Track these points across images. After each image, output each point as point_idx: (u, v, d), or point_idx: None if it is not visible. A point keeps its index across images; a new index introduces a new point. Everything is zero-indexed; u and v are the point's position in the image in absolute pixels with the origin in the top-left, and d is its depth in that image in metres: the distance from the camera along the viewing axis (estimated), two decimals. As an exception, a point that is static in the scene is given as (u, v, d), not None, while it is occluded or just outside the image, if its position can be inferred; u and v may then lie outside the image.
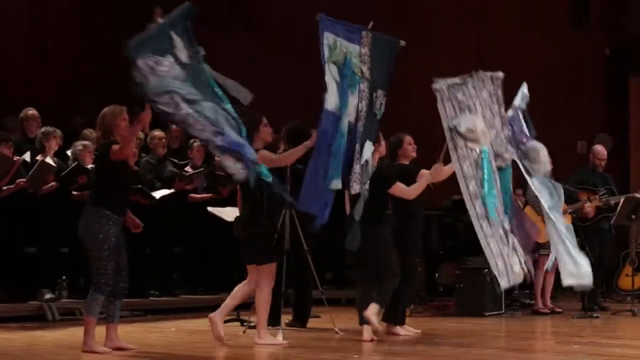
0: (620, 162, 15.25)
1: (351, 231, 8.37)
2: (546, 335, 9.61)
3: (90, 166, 11.01)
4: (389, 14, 16.37)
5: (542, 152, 8.64)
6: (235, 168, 7.43)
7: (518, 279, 8.18)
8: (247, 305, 9.96)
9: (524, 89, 9.06)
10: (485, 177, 8.18)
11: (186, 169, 12.20)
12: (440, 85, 8.20)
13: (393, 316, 9.02)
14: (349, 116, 8.34)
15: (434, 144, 8.58)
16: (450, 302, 11.93)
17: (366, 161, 8.39)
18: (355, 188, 8.36)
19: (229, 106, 7.61)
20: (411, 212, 8.93)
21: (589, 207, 11.67)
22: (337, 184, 8.20)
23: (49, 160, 10.51)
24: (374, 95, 8.50)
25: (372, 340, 8.37)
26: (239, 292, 8.28)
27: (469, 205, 8.04)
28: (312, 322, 9.83)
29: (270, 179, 7.68)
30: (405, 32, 16.05)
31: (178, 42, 7.51)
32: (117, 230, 7.66)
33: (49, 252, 10.74)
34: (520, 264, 8.17)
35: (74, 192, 10.80)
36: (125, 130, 7.67)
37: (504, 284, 8.06)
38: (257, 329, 8.23)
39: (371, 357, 7.81)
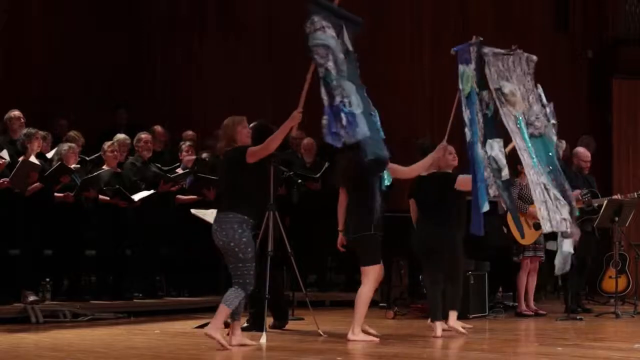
0: (603, 164, 15.28)
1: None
2: (530, 338, 9.62)
3: (73, 166, 10.99)
4: (369, 14, 16.35)
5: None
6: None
7: (562, 226, 8.54)
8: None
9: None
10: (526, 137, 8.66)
11: (177, 170, 12.19)
12: (488, 50, 8.66)
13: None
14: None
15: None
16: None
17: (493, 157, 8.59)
18: (491, 192, 8.58)
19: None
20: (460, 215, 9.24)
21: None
22: (486, 207, 8.53)
23: (32, 159, 10.46)
24: (480, 98, 8.68)
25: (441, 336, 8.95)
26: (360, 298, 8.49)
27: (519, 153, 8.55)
28: (295, 325, 9.82)
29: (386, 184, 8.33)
30: (382, 37, 16.03)
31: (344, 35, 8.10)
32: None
33: (32, 254, 10.70)
34: (563, 215, 8.52)
35: (57, 194, 10.78)
36: (246, 137, 7.85)
37: (546, 228, 8.46)
38: (352, 326, 8.48)
39: (355, 359, 7.81)
